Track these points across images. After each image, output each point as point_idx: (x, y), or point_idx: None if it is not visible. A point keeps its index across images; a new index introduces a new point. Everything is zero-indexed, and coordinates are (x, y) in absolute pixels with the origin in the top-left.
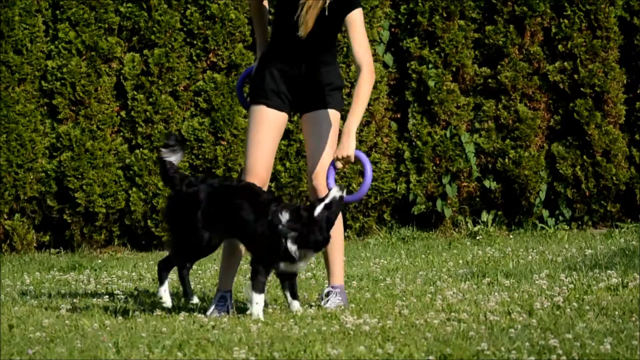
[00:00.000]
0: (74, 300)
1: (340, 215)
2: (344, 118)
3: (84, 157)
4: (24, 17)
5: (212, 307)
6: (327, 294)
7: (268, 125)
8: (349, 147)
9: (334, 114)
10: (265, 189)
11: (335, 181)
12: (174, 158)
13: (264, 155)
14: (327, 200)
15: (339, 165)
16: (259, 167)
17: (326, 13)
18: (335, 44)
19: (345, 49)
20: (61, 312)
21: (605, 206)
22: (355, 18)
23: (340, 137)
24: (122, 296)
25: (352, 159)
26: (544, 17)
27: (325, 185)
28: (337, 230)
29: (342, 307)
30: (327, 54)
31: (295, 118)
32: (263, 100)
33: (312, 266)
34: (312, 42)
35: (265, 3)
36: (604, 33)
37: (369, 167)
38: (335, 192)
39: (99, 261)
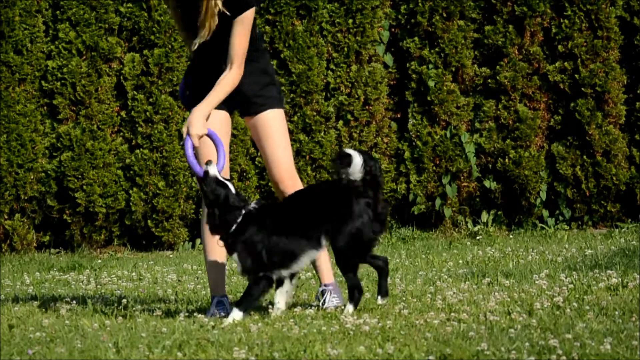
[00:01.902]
0: (74, 300)
1: None
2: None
3: (84, 157)
4: (24, 17)
5: (211, 312)
6: (322, 293)
7: (216, 126)
8: (202, 126)
9: (275, 114)
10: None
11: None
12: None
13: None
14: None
15: (196, 142)
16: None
17: (228, 13)
18: (255, 39)
19: (346, 49)
20: (61, 312)
21: (605, 206)
22: (245, 18)
23: (190, 115)
24: (122, 296)
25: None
26: (544, 17)
27: (293, 186)
28: None
29: (341, 307)
30: (259, 53)
31: (296, 118)
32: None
33: (311, 266)
34: (223, 45)
35: None
36: (604, 33)
37: (219, 140)
38: (212, 169)
39: (99, 261)
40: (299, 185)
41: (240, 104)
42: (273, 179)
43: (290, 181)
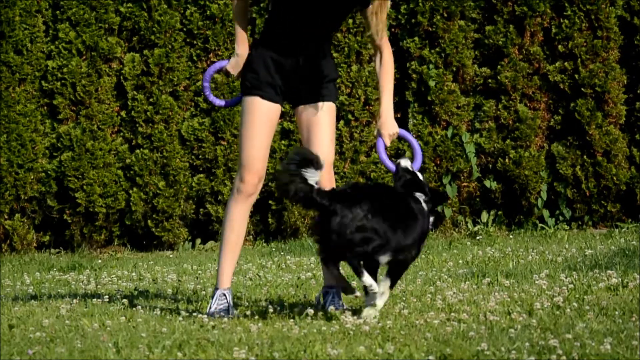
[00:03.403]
0: (74, 300)
1: None
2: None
3: (84, 157)
4: (24, 17)
5: (213, 306)
6: (324, 295)
7: (263, 117)
8: (395, 127)
9: (331, 107)
10: (261, 183)
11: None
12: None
13: (261, 149)
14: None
15: (388, 142)
16: (257, 162)
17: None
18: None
19: (346, 49)
20: (61, 312)
21: (606, 206)
22: (380, 5)
23: (381, 117)
24: (122, 296)
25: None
26: (544, 17)
27: (330, 179)
28: None
29: (344, 310)
30: (326, 45)
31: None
32: (257, 92)
33: (312, 266)
34: (315, 36)
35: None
36: (604, 33)
37: (413, 140)
38: (405, 163)
39: (99, 261)
40: (333, 182)
41: (303, 93)
42: None
43: (327, 174)
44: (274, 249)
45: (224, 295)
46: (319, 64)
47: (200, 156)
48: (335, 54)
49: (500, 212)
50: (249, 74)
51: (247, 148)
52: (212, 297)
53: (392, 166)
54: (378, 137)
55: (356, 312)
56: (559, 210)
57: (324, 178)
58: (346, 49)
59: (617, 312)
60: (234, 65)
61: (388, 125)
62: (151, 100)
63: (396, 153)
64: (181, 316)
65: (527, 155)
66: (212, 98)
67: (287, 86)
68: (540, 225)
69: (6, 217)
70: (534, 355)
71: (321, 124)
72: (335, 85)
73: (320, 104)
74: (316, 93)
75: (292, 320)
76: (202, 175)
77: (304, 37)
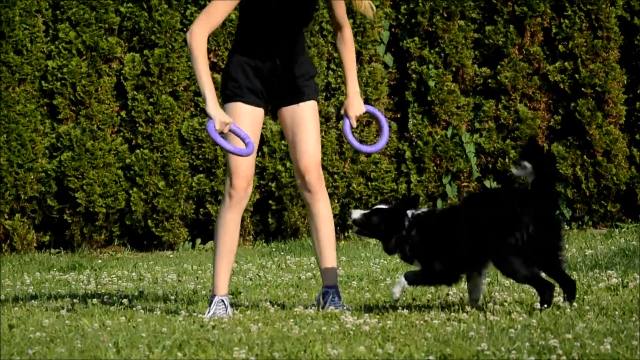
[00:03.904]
0: (74, 300)
1: (330, 212)
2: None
3: (84, 157)
4: (24, 17)
5: (212, 311)
6: (324, 295)
7: (245, 121)
8: (362, 106)
9: (313, 105)
10: (251, 187)
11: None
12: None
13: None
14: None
15: (355, 123)
16: (244, 167)
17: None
18: (304, 33)
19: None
20: (61, 312)
21: (606, 206)
22: None
23: (348, 97)
24: (122, 296)
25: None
26: (544, 17)
27: (319, 179)
28: (328, 228)
29: (343, 310)
30: (300, 43)
31: None
32: (238, 98)
33: (312, 266)
34: (288, 34)
35: None
36: (604, 33)
37: (382, 117)
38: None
39: (99, 261)
40: (323, 183)
41: (285, 94)
42: (300, 171)
43: (316, 173)
44: (274, 249)
45: (222, 301)
46: (296, 63)
47: (200, 156)
48: (335, 54)
49: None
50: (228, 82)
51: (233, 155)
52: (210, 303)
53: (359, 146)
54: (345, 117)
55: (356, 312)
56: (559, 210)
57: (312, 177)
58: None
59: (617, 312)
60: (216, 112)
61: (355, 106)
62: (151, 100)
63: (396, 153)
64: (181, 316)
65: None
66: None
67: (268, 89)
68: None
69: (6, 217)
70: (534, 355)
71: (305, 124)
72: (314, 82)
73: (302, 104)
74: (297, 92)
75: (292, 320)
76: (202, 175)
77: (276, 39)
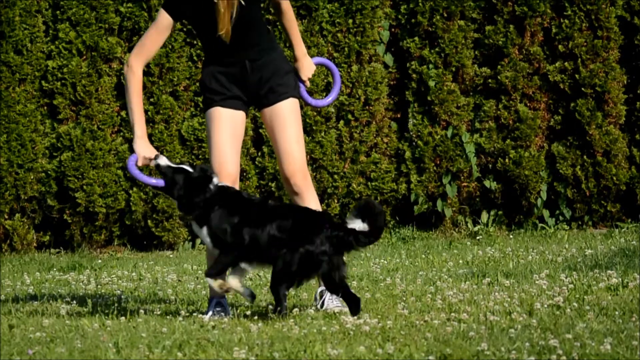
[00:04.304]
0: (74, 300)
1: (319, 207)
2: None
3: (85, 157)
4: (24, 17)
5: (210, 313)
6: (322, 295)
7: (225, 123)
8: (312, 66)
9: (293, 103)
10: (236, 186)
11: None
12: None
13: (228, 153)
14: None
15: (308, 84)
16: (227, 166)
17: (242, 3)
18: (268, 28)
19: (346, 49)
20: (61, 312)
21: (606, 206)
22: None
23: (297, 61)
24: (122, 296)
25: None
26: (544, 17)
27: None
28: None
29: (341, 310)
30: (264, 41)
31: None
32: (216, 104)
33: None
34: (241, 37)
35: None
36: (604, 33)
37: (335, 69)
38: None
39: (99, 261)
40: (310, 182)
41: (262, 94)
42: (284, 174)
43: (301, 175)
44: None
45: (220, 303)
46: (267, 62)
47: (200, 156)
48: (335, 54)
49: (500, 212)
50: (205, 92)
51: (215, 155)
52: (209, 305)
53: (314, 102)
54: (299, 81)
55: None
56: (559, 210)
57: (298, 179)
58: (346, 49)
59: (617, 312)
60: (141, 148)
61: (306, 68)
62: (151, 100)
63: (396, 153)
64: (181, 316)
65: (527, 155)
66: (147, 180)
67: (245, 93)
68: (540, 225)
69: (6, 217)
70: (534, 355)
71: (285, 124)
72: (292, 77)
73: (279, 103)
74: (273, 92)
75: (292, 320)
76: None
77: (232, 46)
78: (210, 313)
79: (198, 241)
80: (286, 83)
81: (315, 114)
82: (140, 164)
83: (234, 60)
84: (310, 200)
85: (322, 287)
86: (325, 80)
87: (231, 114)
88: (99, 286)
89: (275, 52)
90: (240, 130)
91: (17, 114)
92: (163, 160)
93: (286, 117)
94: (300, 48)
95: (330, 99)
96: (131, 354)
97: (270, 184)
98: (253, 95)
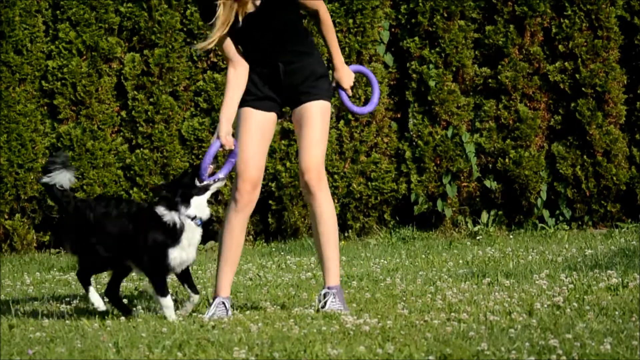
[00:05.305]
0: (74, 300)
1: (333, 211)
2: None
3: (85, 157)
4: (24, 17)
5: (211, 312)
6: (325, 296)
7: (255, 125)
8: (351, 74)
9: (323, 105)
10: (258, 191)
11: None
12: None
13: (254, 156)
14: None
15: (350, 92)
16: (250, 170)
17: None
18: (307, 32)
19: (347, 48)
20: (61, 312)
21: (606, 206)
22: None
23: (337, 70)
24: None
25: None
26: (544, 17)
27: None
28: (331, 226)
29: (342, 312)
30: (301, 46)
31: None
32: (248, 104)
33: (312, 266)
34: (276, 40)
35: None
36: (604, 33)
37: (373, 77)
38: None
39: None
40: (325, 185)
41: (295, 97)
42: (300, 168)
43: (315, 173)
44: (274, 249)
45: (223, 303)
46: (302, 66)
47: (200, 156)
48: None
49: (500, 212)
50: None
51: (240, 157)
52: (211, 304)
53: (357, 109)
54: (339, 89)
55: (356, 312)
56: (559, 210)
57: (311, 177)
58: (346, 48)
59: (617, 312)
60: (224, 132)
61: (346, 76)
62: (151, 100)
63: (396, 153)
64: (181, 316)
65: (527, 155)
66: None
67: (278, 94)
68: (540, 225)
69: (6, 217)
70: (534, 355)
71: (310, 124)
72: (327, 81)
73: (309, 103)
74: (306, 93)
75: (292, 320)
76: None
77: (269, 48)
78: (211, 312)
79: None
80: (319, 86)
81: None
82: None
83: (267, 62)
84: (322, 199)
85: (326, 289)
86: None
87: (261, 116)
88: (99, 286)
89: (312, 57)
90: (269, 132)
91: (17, 114)
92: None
93: (313, 116)
94: (338, 57)
95: (372, 106)
96: (131, 354)
97: (270, 184)
98: (286, 96)
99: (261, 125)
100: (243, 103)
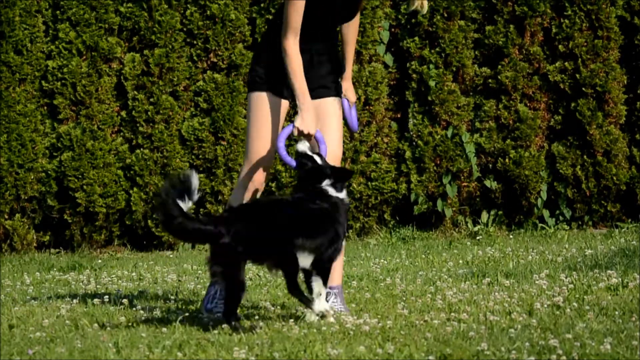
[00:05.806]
0: (74, 300)
1: None
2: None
3: (85, 157)
4: (24, 18)
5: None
6: (326, 295)
7: (271, 113)
8: (353, 92)
9: (338, 102)
10: (267, 180)
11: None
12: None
13: (269, 145)
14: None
15: (353, 105)
16: (265, 159)
17: None
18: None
19: None
20: (61, 312)
21: (606, 206)
22: None
23: (347, 83)
24: (122, 296)
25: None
26: (544, 17)
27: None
28: None
29: (342, 313)
30: (335, 40)
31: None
32: (265, 87)
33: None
34: (331, 26)
35: None
36: (604, 33)
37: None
38: (303, 147)
39: (99, 261)
40: None
41: (315, 87)
42: None
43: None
44: None
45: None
46: (329, 59)
47: (200, 156)
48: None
49: (500, 212)
50: (258, 68)
51: (255, 145)
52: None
53: (353, 124)
54: (344, 99)
55: (356, 312)
56: (559, 210)
57: None
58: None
59: (617, 312)
60: (306, 123)
61: (352, 88)
62: (151, 100)
63: (396, 153)
64: (181, 316)
65: (527, 155)
66: (288, 159)
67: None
68: (540, 225)
69: (6, 217)
70: (534, 355)
71: (330, 121)
72: (340, 78)
73: (328, 99)
74: (326, 87)
75: (292, 320)
76: (202, 175)
77: (319, 31)
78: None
79: None
80: (338, 82)
81: None
82: (295, 133)
83: (304, 47)
84: None
85: (327, 289)
86: None
87: (277, 103)
88: (98, 286)
89: (337, 53)
90: (282, 120)
91: (17, 114)
92: (302, 146)
93: (333, 113)
94: (351, 67)
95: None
96: (131, 354)
97: (270, 184)
98: (308, 85)
99: (277, 112)
100: (260, 85)
